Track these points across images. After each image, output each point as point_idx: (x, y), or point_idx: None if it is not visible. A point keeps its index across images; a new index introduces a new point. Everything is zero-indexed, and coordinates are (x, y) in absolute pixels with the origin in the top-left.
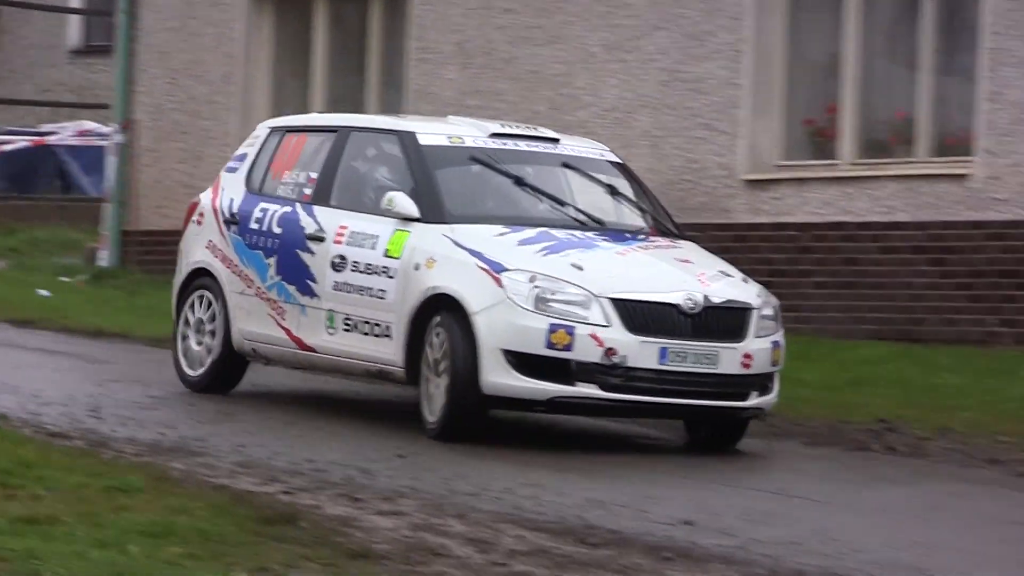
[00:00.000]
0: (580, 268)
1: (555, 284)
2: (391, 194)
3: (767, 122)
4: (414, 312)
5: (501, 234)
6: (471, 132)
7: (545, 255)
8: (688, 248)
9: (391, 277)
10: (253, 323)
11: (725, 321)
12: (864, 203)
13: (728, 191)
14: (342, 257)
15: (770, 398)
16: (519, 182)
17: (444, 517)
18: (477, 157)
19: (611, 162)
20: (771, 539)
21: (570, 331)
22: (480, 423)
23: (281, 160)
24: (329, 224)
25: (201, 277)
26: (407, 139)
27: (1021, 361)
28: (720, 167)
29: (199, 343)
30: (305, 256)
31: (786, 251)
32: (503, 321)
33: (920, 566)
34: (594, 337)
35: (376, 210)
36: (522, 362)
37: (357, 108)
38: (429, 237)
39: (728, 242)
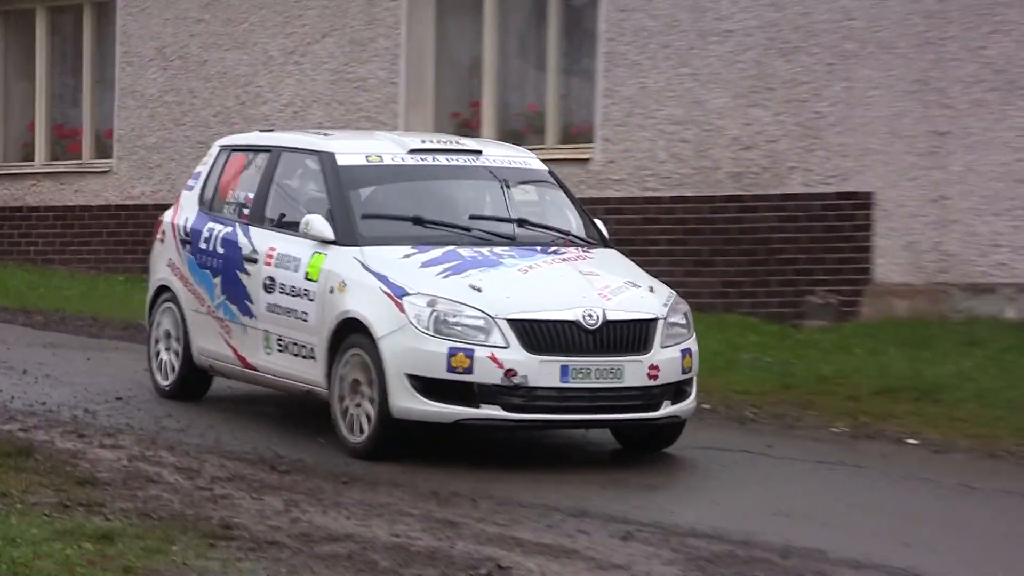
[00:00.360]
0: (479, 289)
1: (453, 307)
2: (308, 217)
3: (420, 115)
4: (331, 336)
5: (407, 256)
6: (390, 149)
7: (446, 276)
8: (600, 258)
9: (311, 300)
10: (207, 340)
11: (627, 335)
12: None
13: None
14: (272, 279)
15: (685, 404)
16: (433, 199)
17: (157, 450)
18: (394, 175)
19: (535, 170)
20: (434, 464)
21: (469, 354)
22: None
23: (227, 179)
24: (261, 245)
25: (165, 293)
26: (326, 159)
27: None
28: None
29: (167, 353)
30: (243, 277)
31: None
32: (405, 346)
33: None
34: (493, 359)
35: (299, 232)
36: (426, 386)
37: (76, 105)
38: (341, 260)
39: None
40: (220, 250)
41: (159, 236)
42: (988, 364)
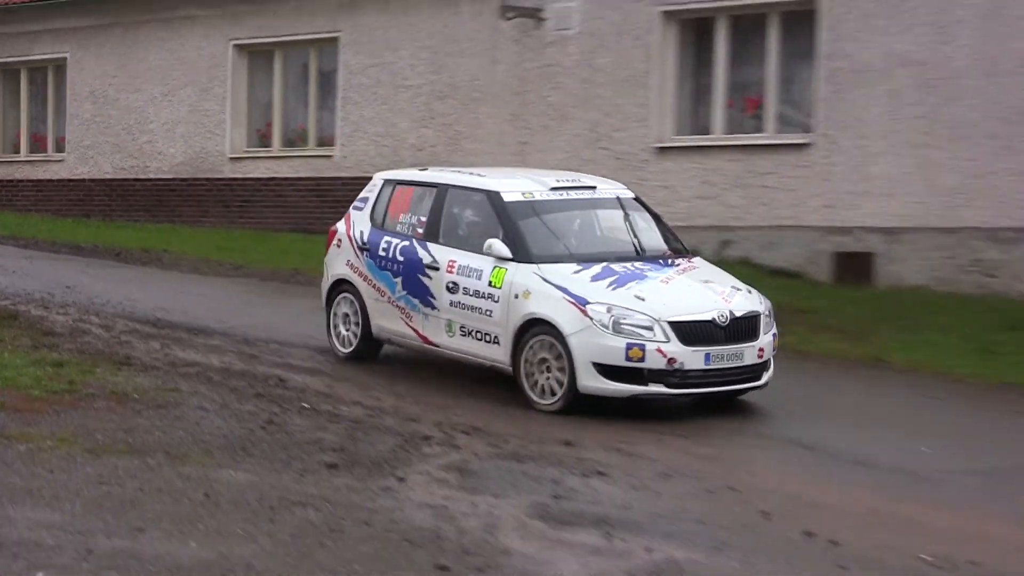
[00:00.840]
0: (642, 299)
1: (626, 313)
2: (490, 240)
3: (239, 131)
4: (516, 329)
5: (576, 272)
6: (536, 187)
7: (614, 289)
8: (703, 267)
9: (496, 301)
10: (386, 321)
11: (745, 327)
12: (289, 169)
13: None
14: (455, 283)
15: (771, 372)
16: (573, 225)
17: (89, 316)
18: (544, 208)
19: (631, 198)
20: (246, 324)
21: (642, 348)
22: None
23: (396, 205)
24: (442, 257)
25: (343, 285)
26: (494, 196)
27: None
28: None
29: (347, 330)
30: (424, 280)
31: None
32: (590, 342)
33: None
34: (659, 351)
35: (477, 250)
36: (607, 371)
37: (44, 123)
38: (522, 273)
39: None
40: (400, 257)
41: (335, 242)
42: None
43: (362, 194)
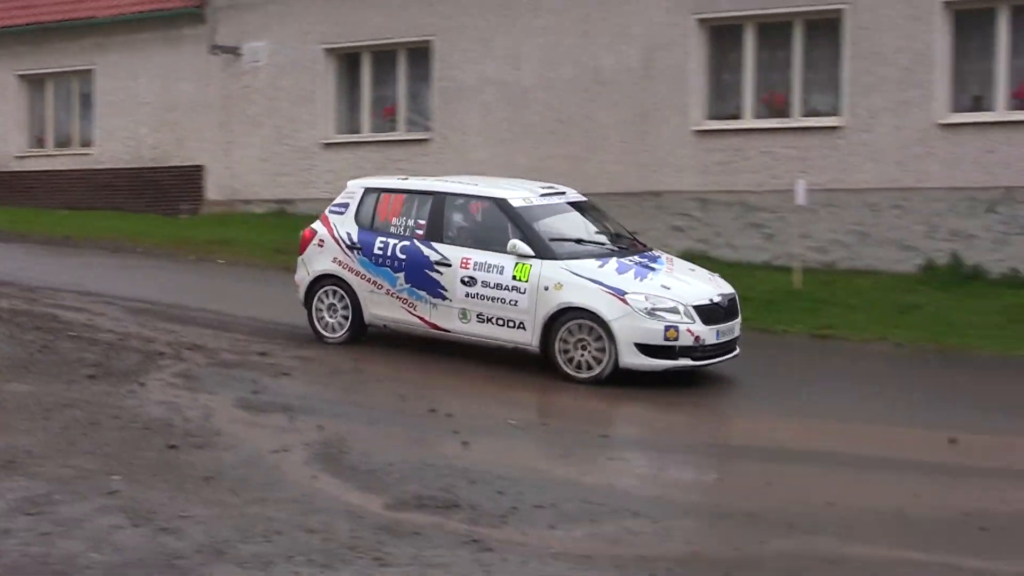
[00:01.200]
0: (668, 288)
1: (660, 300)
2: (513, 241)
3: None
4: (548, 316)
5: (599, 266)
6: (529, 194)
7: (640, 280)
8: (674, 258)
9: (522, 293)
10: (383, 310)
11: (732, 307)
12: (60, 164)
13: None
14: (471, 278)
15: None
16: (564, 226)
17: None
18: (541, 212)
19: (586, 200)
20: (28, 276)
21: (676, 329)
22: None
23: (385, 210)
24: (452, 255)
25: (328, 279)
26: (503, 203)
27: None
28: None
29: (332, 318)
30: (433, 274)
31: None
32: (632, 326)
33: None
34: (689, 331)
35: (492, 248)
36: (646, 349)
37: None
38: (549, 268)
39: None
40: (401, 255)
41: (316, 242)
42: (245, 230)
43: (339, 200)
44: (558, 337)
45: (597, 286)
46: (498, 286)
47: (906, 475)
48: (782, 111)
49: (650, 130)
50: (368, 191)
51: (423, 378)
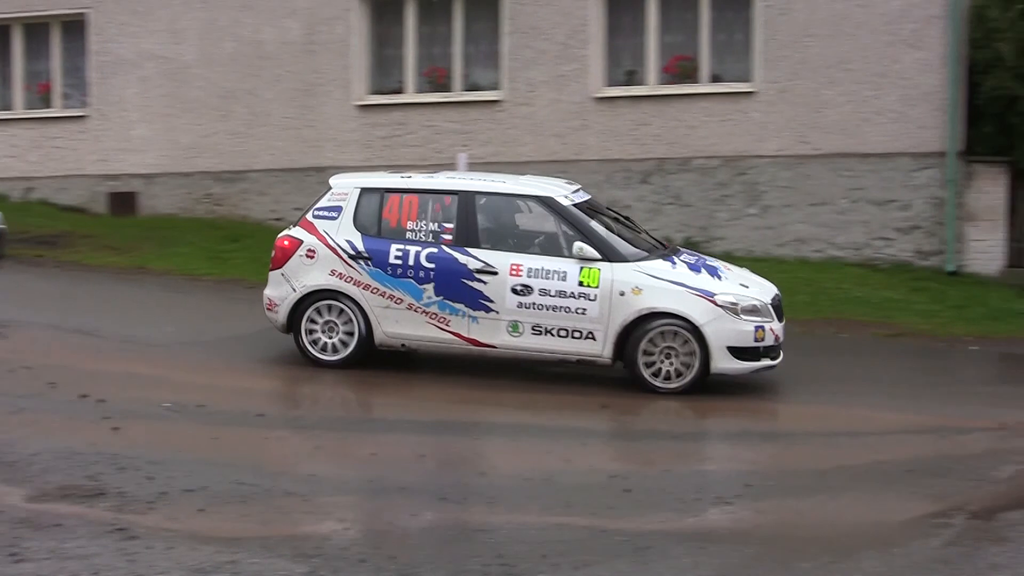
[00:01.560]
0: (746, 287)
1: (745, 300)
2: (579, 244)
3: None
4: (626, 324)
5: (672, 268)
6: (564, 191)
7: (720, 281)
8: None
9: (592, 300)
10: (404, 327)
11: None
12: None
13: None
14: (526, 286)
15: None
16: (608, 225)
17: None
18: (584, 212)
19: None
20: None
21: (763, 328)
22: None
23: (394, 213)
24: (498, 262)
25: (321, 295)
26: (551, 202)
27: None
28: None
29: (331, 338)
30: (473, 284)
31: None
32: (724, 328)
33: None
34: (772, 330)
35: (544, 252)
36: (737, 352)
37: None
38: (622, 272)
39: None
40: (428, 264)
41: (304, 253)
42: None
43: (324, 203)
44: (640, 346)
45: (682, 288)
46: (561, 294)
47: (557, 441)
48: (444, 85)
49: (314, 105)
50: (366, 192)
51: (74, 362)
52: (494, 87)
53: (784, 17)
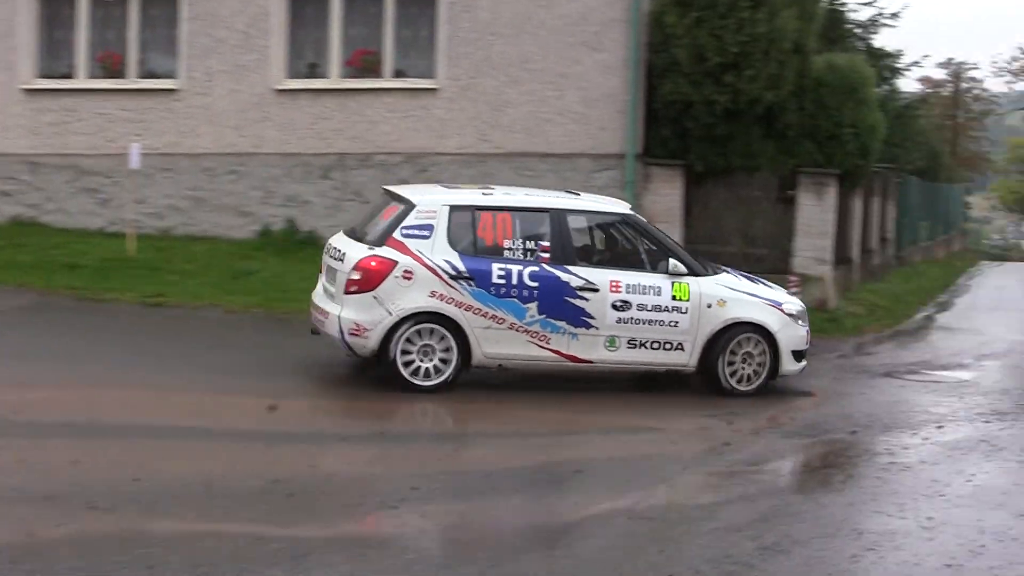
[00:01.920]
0: (793, 293)
1: (799, 308)
2: (672, 260)
3: None
4: (712, 334)
5: (738, 279)
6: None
7: (771, 291)
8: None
9: (684, 313)
10: (504, 347)
11: None
12: None
13: None
14: (625, 302)
15: None
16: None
17: None
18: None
19: None
20: None
21: (808, 332)
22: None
23: (488, 231)
24: (598, 279)
25: (418, 317)
26: (632, 219)
27: None
28: None
29: (430, 361)
30: (577, 302)
31: None
32: (791, 335)
33: None
34: (808, 332)
35: (633, 268)
36: (796, 355)
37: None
38: (707, 285)
39: None
40: (532, 283)
41: (400, 274)
42: None
43: (412, 221)
44: (724, 356)
45: (757, 299)
46: (656, 308)
47: (220, 444)
48: (119, 72)
49: None
50: (455, 210)
51: None
52: (171, 75)
53: (468, 14)
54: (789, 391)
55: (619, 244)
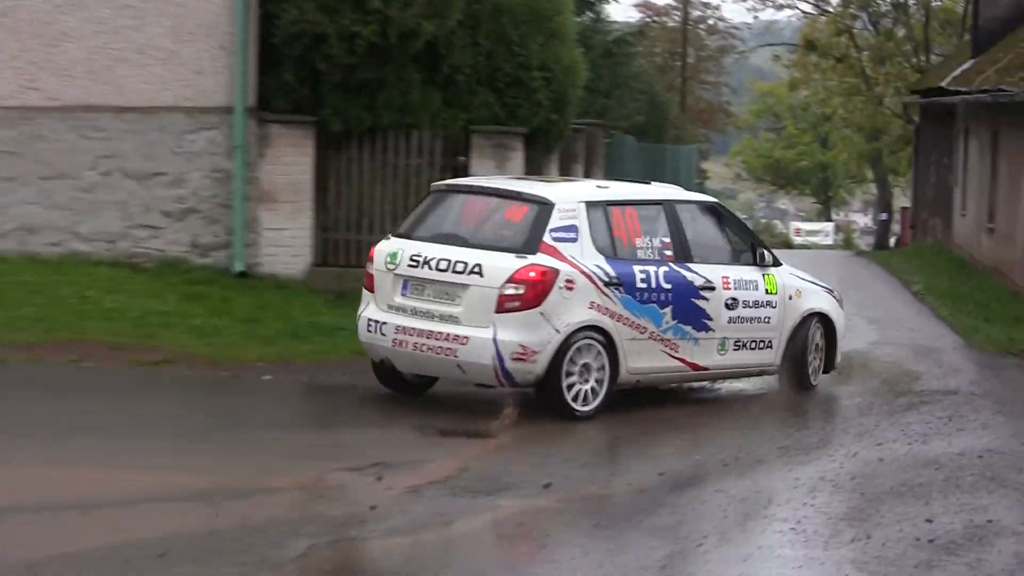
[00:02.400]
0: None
1: (839, 292)
2: (762, 250)
3: None
4: (793, 328)
5: (793, 267)
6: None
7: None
8: None
9: (774, 307)
10: (644, 360)
11: None
12: None
13: None
14: (734, 299)
15: None
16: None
17: None
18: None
19: None
20: None
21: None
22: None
23: (621, 229)
24: (713, 276)
25: (582, 333)
26: (718, 208)
27: None
28: None
29: (588, 383)
30: (700, 303)
31: None
32: (842, 323)
33: None
34: None
35: (730, 261)
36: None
37: None
38: (785, 276)
39: None
40: (666, 285)
41: (563, 285)
42: None
43: (558, 223)
44: (800, 351)
45: (818, 287)
46: (756, 304)
47: None
48: None
49: None
50: (591, 206)
51: None
52: None
53: None
54: (464, 431)
55: (713, 236)
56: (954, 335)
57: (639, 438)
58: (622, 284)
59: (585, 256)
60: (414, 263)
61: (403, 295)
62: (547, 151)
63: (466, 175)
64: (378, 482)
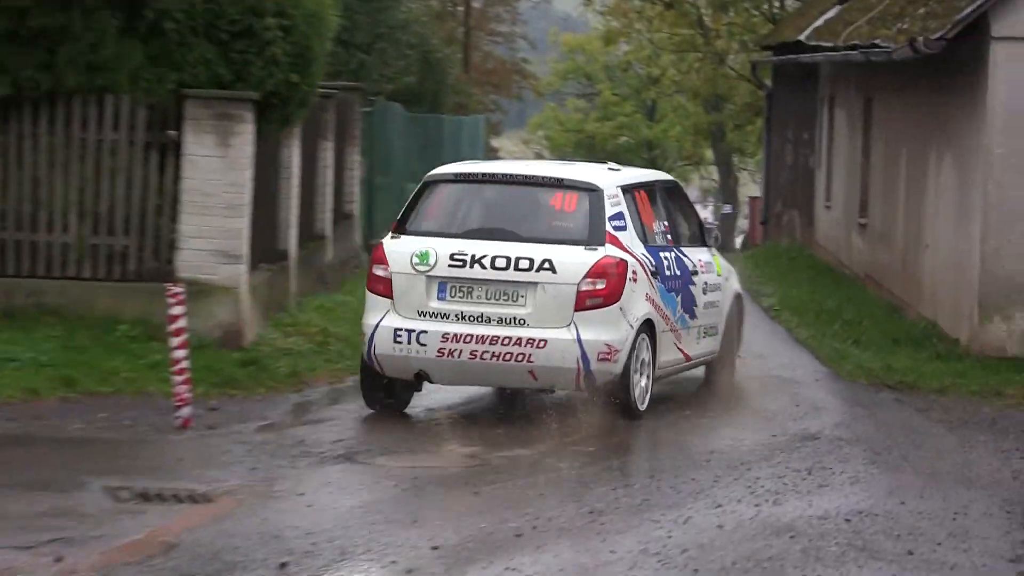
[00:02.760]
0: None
1: None
2: (716, 232)
3: None
4: (728, 311)
5: None
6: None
7: None
8: None
9: (720, 290)
10: (665, 353)
11: None
12: None
13: None
14: (706, 283)
15: None
16: None
17: None
18: None
19: None
20: None
21: None
22: None
23: (645, 214)
24: (695, 259)
25: (644, 326)
26: (679, 188)
27: None
28: None
29: (642, 379)
30: (693, 288)
31: None
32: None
33: None
34: None
35: (693, 244)
36: None
37: None
38: (720, 257)
39: None
40: (678, 272)
41: (631, 276)
42: None
43: (611, 210)
44: (737, 335)
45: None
46: (715, 288)
47: None
48: None
49: None
50: (625, 191)
51: None
52: None
53: None
54: (174, 492)
55: (683, 217)
56: (816, 363)
57: (406, 499)
58: (657, 272)
59: (635, 244)
60: (458, 262)
61: (440, 299)
62: (285, 123)
63: (178, 155)
64: (57, 563)
